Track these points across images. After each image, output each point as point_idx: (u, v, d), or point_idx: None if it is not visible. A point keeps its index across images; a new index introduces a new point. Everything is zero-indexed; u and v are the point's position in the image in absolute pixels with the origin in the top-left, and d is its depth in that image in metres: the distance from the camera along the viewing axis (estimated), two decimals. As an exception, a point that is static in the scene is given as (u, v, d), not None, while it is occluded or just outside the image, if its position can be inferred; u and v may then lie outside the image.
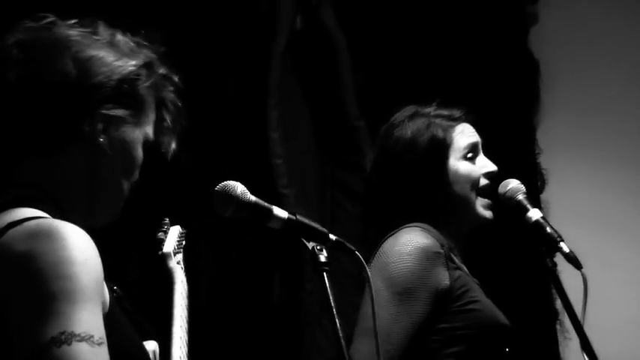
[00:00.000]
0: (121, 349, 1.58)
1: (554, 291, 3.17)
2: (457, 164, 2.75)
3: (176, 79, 1.91)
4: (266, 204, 2.02)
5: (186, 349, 2.43)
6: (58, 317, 1.51)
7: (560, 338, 3.98)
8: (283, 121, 3.83)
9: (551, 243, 2.56)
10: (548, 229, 2.58)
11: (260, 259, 3.81)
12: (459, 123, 2.81)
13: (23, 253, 1.57)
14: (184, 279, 2.59)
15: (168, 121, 1.91)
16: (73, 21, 1.85)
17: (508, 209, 2.70)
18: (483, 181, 2.75)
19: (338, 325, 1.91)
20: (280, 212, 2.02)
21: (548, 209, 4.01)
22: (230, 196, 2.00)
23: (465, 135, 2.79)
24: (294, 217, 2.02)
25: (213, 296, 3.75)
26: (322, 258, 1.98)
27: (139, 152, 1.86)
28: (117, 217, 1.89)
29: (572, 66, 4.28)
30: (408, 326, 2.44)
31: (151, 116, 1.88)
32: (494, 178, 2.76)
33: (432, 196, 2.71)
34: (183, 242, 2.69)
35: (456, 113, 2.83)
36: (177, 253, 2.64)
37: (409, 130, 2.78)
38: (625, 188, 4.23)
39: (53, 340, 1.49)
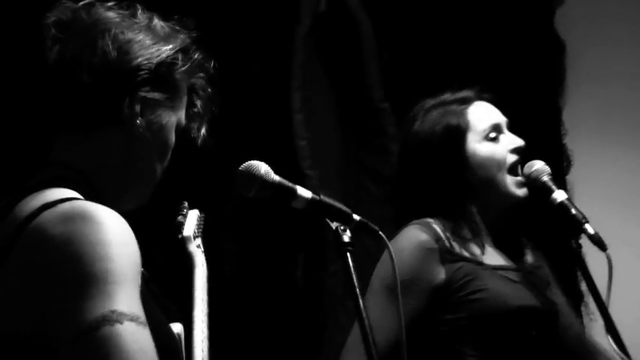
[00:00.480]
0: (151, 330, 1.57)
1: (579, 273, 3.15)
2: (477, 147, 2.74)
3: (209, 65, 1.93)
4: (290, 184, 2.02)
5: (207, 331, 2.44)
6: (104, 297, 1.52)
7: (586, 320, 3.97)
8: (307, 102, 3.82)
9: (576, 224, 2.56)
10: (573, 211, 2.59)
11: (283, 241, 3.81)
12: (473, 103, 2.80)
13: (60, 236, 1.58)
14: (204, 262, 2.60)
15: (199, 106, 1.93)
16: (111, 3, 1.87)
17: (533, 190, 2.70)
18: (511, 158, 2.74)
19: (361, 304, 1.92)
20: (304, 192, 2.02)
21: (574, 190, 4.00)
22: (254, 176, 2.00)
23: (482, 116, 2.78)
24: (317, 198, 2.02)
25: (237, 278, 3.75)
26: (346, 238, 1.99)
27: (173, 136, 1.87)
28: (147, 201, 1.90)
29: (598, 48, 4.26)
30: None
31: (184, 101, 1.90)
32: (523, 152, 2.75)
33: (455, 186, 2.71)
34: (202, 226, 2.70)
35: (469, 94, 2.82)
36: (197, 237, 2.65)
37: (425, 123, 2.79)
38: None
39: (102, 318, 1.50)
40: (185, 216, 2.66)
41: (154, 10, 1.91)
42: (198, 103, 1.93)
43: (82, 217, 1.59)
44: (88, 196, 1.70)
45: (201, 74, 1.91)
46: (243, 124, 3.74)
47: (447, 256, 2.63)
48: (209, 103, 1.95)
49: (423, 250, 2.60)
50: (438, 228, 2.67)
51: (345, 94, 3.98)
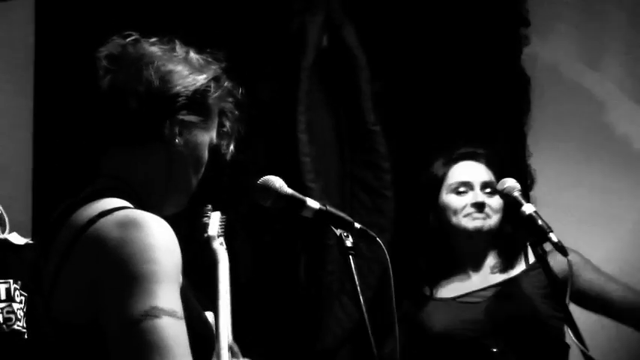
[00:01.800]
0: (191, 320, 1.60)
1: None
2: (444, 197, 2.85)
3: (237, 92, 1.93)
4: (300, 196, 2.02)
5: (230, 320, 2.44)
6: (148, 294, 1.54)
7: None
8: (310, 125, 3.82)
9: (542, 233, 2.56)
10: (540, 222, 2.59)
11: (289, 245, 3.82)
12: (462, 162, 2.89)
13: (115, 240, 1.59)
14: (227, 258, 2.59)
15: (228, 127, 1.93)
16: (153, 39, 1.88)
17: (505, 204, 2.71)
18: (469, 209, 2.82)
19: (362, 300, 1.92)
20: (313, 203, 2.02)
21: (537, 204, 3.98)
22: (270, 189, 2.00)
23: (458, 173, 2.88)
24: (324, 208, 2.02)
25: (247, 275, 3.75)
26: (348, 243, 1.99)
27: (206, 153, 1.88)
28: (184, 207, 1.91)
29: (560, 82, 4.26)
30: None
31: (215, 122, 1.90)
32: (481, 206, 2.85)
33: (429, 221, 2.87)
34: (224, 226, 2.69)
35: (465, 152, 2.92)
36: (220, 235, 2.65)
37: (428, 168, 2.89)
38: (601, 188, 4.22)
39: (145, 313, 1.52)
40: (209, 217, 2.66)
41: (188, 44, 1.91)
42: (227, 124, 1.93)
43: (134, 224, 1.61)
44: (136, 205, 1.71)
45: (231, 99, 1.92)
46: (256, 143, 3.74)
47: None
48: (237, 124, 1.95)
49: None
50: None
51: (342, 118, 3.99)
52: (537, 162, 4.14)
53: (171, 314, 1.53)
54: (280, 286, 3.80)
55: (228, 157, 1.96)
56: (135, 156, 1.81)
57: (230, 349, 2.36)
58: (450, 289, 2.86)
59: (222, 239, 2.67)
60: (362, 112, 3.92)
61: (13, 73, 3.54)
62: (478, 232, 2.83)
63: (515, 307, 2.76)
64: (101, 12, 3.69)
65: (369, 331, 1.87)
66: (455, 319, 2.74)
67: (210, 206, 2.72)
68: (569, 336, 2.46)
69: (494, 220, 2.85)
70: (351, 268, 1.95)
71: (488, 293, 2.80)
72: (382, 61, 3.97)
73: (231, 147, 1.96)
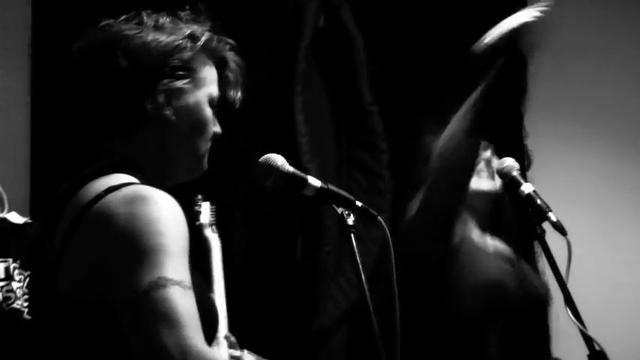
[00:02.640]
0: (197, 296, 1.60)
1: (539, 254, 3.16)
2: None
3: (229, 40, 1.90)
4: (302, 174, 2.01)
5: (225, 303, 2.45)
6: (156, 265, 1.55)
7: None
8: (307, 106, 3.82)
9: (541, 213, 2.56)
10: (539, 201, 2.59)
11: (286, 226, 3.82)
12: None
13: (123, 214, 1.60)
14: (219, 245, 2.61)
15: (230, 76, 1.90)
16: (122, 18, 1.85)
17: (504, 183, 2.71)
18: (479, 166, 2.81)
19: (363, 276, 1.92)
20: (314, 181, 2.01)
21: (534, 184, 4.00)
22: (271, 167, 1.99)
23: None
24: (325, 186, 2.01)
25: (246, 257, 3.76)
26: (349, 221, 1.98)
27: (206, 111, 1.84)
28: (202, 172, 1.89)
29: (557, 65, 4.27)
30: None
31: (212, 76, 1.86)
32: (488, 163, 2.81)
33: None
34: (215, 215, 2.71)
35: None
36: (212, 223, 2.66)
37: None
38: (596, 169, 4.24)
39: (152, 284, 1.53)
40: (200, 206, 2.67)
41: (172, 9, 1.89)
42: (230, 73, 1.91)
43: (142, 199, 1.62)
44: (143, 181, 1.72)
45: (227, 47, 1.89)
46: (253, 124, 3.74)
47: None
48: (240, 71, 1.93)
49: None
50: None
51: (339, 98, 3.99)
52: (534, 143, 4.16)
53: (179, 284, 1.54)
54: (277, 267, 3.80)
55: (237, 106, 1.93)
56: (131, 137, 1.80)
57: (227, 338, 2.37)
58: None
59: (213, 227, 2.68)
60: (359, 92, 3.92)
61: (9, 54, 3.53)
62: (487, 193, 2.78)
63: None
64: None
65: (371, 309, 1.88)
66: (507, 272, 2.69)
67: (200, 196, 2.73)
68: (568, 315, 2.46)
69: (497, 182, 2.81)
70: (353, 246, 1.94)
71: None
72: (378, 42, 3.98)
73: (239, 95, 1.93)
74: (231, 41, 1.90)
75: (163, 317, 1.51)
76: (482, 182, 2.76)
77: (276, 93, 3.81)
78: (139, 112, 1.77)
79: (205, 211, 2.68)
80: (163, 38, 1.80)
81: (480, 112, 2.50)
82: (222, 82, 1.90)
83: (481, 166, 2.78)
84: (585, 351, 2.42)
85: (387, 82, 3.97)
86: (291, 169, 2.00)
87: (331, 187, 2.01)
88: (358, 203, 2.01)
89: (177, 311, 1.51)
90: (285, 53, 3.82)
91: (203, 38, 1.84)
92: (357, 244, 1.96)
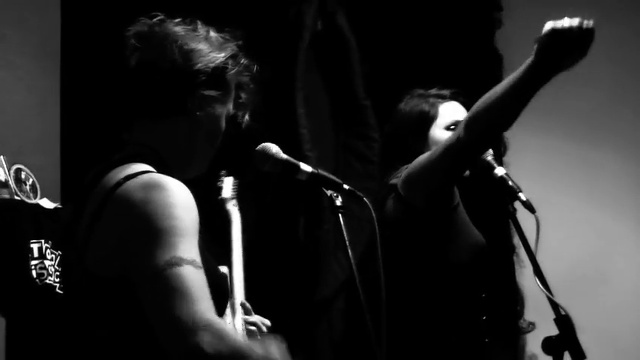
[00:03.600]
0: (208, 272, 1.60)
1: (512, 230, 3.13)
2: (437, 132, 2.73)
3: (253, 67, 1.90)
4: (295, 161, 2.00)
5: (243, 272, 2.43)
6: (170, 246, 1.55)
7: (517, 267, 3.97)
8: (307, 100, 3.82)
9: (512, 193, 2.52)
10: (510, 183, 2.55)
11: (289, 207, 3.81)
12: (448, 101, 2.79)
13: (140, 199, 1.60)
14: (239, 218, 2.58)
15: (244, 99, 1.91)
16: (177, 20, 1.85)
17: (478, 167, 2.67)
18: None
19: (350, 253, 1.91)
20: (306, 167, 2.00)
21: (509, 168, 3.97)
22: (267, 154, 1.99)
23: (449, 111, 2.77)
24: (316, 171, 2.01)
25: (252, 233, 3.75)
26: (338, 202, 1.98)
27: (223, 124, 1.86)
28: (204, 172, 1.89)
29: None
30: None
31: (232, 95, 1.87)
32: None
33: (416, 156, 2.70)
34: (237, 189, 2.67)
35: (445, 93, 2.80)
36: (233, 197, 2.63)
37: (407, 105, 2.77)
38: (566, 153, 4.22)
39: (167, 262, 1.53)
40: (223, 182, 2.63)
41: (215, 25, 1.89)
42: (243, 95, 1.91)
43: (156, 186, 1.62)
44: (160, 169, 1.71)
45: (247, 73, 1.90)
46: (259, 116, 3.73)
47: None
48: (251, 96, 1.93)
49: None
50: None
51: (335, 94, 3.99)
52: (509, 130, 4.13)
53: (191, 263, 1.54)
54: (282, 244, 3.79)
55: (244, 125, 1.94)
56: (160, 126, 1.79)
57: (243, 305, 2.34)
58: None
59: (234, 201, 2.65)
60: (353, 88, 3.93)
61: (42, 55, 3.51)
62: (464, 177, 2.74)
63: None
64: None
65: (358, 283, 1.86)
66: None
67: (224, 172, 2.69)
68: (537, 284, 2.43)
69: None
70: (341, 224, 1.94)
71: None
72: (370, 44, 3.98)
73: (246, 116, 1.94)
74: (253, 68, 1.91)
75: (177, 292, 1.51)
76: None
77: (279, 89, 3.80)
78: (178, 104, 1.78)
79: (228, 186, 2.65)
80: (213, 51, 1.81)
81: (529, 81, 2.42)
82: (236, 101, 1.91)
83: None
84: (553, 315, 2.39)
85: (378, 79, 3.96)
86: (284, 156, 1.99)
87: (322, 172, 2.00)
88: (345, 186, 2.01)
89: (189, 287, 1.51)
90: (287, 54, 3.82)
91: (242, 61, 1.86)
92: (349, 223, 1.94)
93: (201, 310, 1.50)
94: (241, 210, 3.14)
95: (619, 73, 4.25)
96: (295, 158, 2.05)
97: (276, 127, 3.70)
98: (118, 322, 1.63)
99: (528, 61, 2.31)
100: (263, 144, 2.00)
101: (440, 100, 2.78)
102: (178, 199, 1.60)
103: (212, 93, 1.80)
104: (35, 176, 3.21)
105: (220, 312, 1.69)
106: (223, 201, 2.63)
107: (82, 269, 1.65)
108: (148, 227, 1.56)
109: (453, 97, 2.80)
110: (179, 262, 1.52)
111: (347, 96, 3.93)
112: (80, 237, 1.67)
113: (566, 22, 2.25)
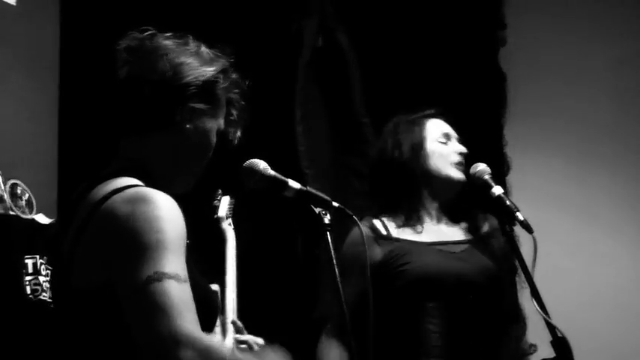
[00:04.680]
0: (195, 287, 1.58)
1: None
2: (432, 146, 2.70)
3: (243, 83, 1.88)
4: (282, 177, 1.98)
5: (236, 292, 2.41)
6: (154, 260, 1.53)
7: (519, 287, 3.92)
8: (306, 117, 3.83)
9: (510, 213, 2.49)
10: (508, 202, 2.51)
11: (288, 227, 3.79)
12: (431, 119, 2.78)
13: (126, 213, 1.58)
14: (234, 237, 2.57)
15: (235, 115, 1.89)
16: (168, 34, 1.84)
17: (476, 186, 2.63)
18: (455, 157, 2.70)
19: (337, 272, 1.87)
20: (294, 184, 1.98)
21: (512, 189, 3.96)
22: (254, 170, 1.97)
23: (436, 127, 2.75)
24: (304, 188, 1.98)
25: (252, 253, 3.74)
26: (326, 220, 1.95)
27: (214, 138, 1.83)
28: (191, 187, 1.86)
29: (532, 79, 4.23)
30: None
31: (223, 111, 1.85)
32: (465, 155, 2.69)
33: (412, 178, 2.66)
34: (233, 209, 2.66)
35: (429, 112, 2.79)
36: (229, 217, 2.62)
37: (398, 133, 2.74)
38: (569, 175, 4.18)
39: (150, 277, 1.51)
40: (219, 201, 2.63)
41: (206, 41, 1.88)
42: (234, 112, 1.89)
43: (143, 200, 1.60)
44: (147, 183, 1.69)
45: (237, 90, 1.88)
46: (258, 133, 3.73)
47: (382, 240, 2.58)
48: (243, 113, 1.91)
49: (358, 239, 2.38)
50: (376, 221, 2.63)
51: (335, 111, 3.96)
52: (512, 151, 4.11)
53: (174, 277, 1.52)
54: (281, 262, 3.78)
55: (235, 142, 1.91)
56: (149, 140, 1.78)
57: (234, 323, 2.31)
58: (419, 235, 2.64)
59: (230, 220, 2.64)
60: (353, 105, 3.92)
61: (40, 69, 3.51)
62: (459, 183, 2.70)
63: (488, 261, 2.65)
64: (122, 9, 3.67)
65: (343, 300, 1.83)
66: (439, 264, 2.59)
67: (220, 191, 2.69)
68: (534, 306, 2.39)
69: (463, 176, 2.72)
70: (328, 242, 1.91)
71: (462, 247, 2.67)
72: (370, 62, 3.96)
73: (238, 133, 1.91)
74: (244, 84, 1.89)
75: (159, 307, 1.49)
76: (452, 171, 2.68)
77: (279, 106, 3.80)
78: (166, 117, 1.76)
79: (224, 205, 2.64)
80: (203, 65, 1.80)
81: None
82: (227, 118, 1.89)
83: (457, 158, 2.70)
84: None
85: (378, 96, 3.94)
86: (272, 172, 1.97)
87: (310, 189, 1.98)
88: (335, 204, 1.98)
89: (171, 302, 1.49)
90: (286, 70, 3.82)
91: (232, 76, 1.84)
92: (333, 240, 1.91)
93: (184, 325, 1.48)
94: (239, 228, 3.13)
95: (621, 94, 4.23)
96: (293, 175, 2.03)
97: (274, 144, 3.69)
98: (102, 335, 1.61)
99: None
100: (250, 160, 1.97)
101: (425, 119, 2.77)
102: (164, 213, 1.58)
103: (201, 106, 1.78)
104: (31, 191, 3.20)
105: (209, 328, 1.68)
106: (218, 220, 2.61)
107: (68, 283, 1.64)
108: (132, 241, 1.55)
109: (436, 116, 2.79)
110: (161, 277, 1.51)
111: (346, 113, 3.92)
112: (66, 251, 1.66)
113: None
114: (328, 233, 1.92)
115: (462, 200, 2.72)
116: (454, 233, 2.70)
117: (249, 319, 2.66)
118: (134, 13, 3.63)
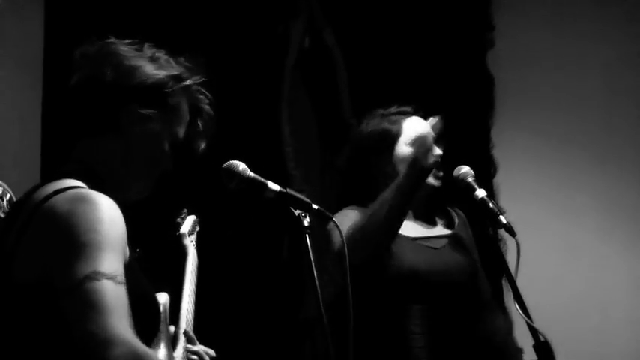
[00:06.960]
0: (135, 292, 1.59)
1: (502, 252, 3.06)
2: (403, 149, 2.67)
3: (208, 93, 1.86)
4: (262, 179, 1.97)
5: (193, 304, 2.44)
6: (89, 260, 1.53)
7: (505, 290, 3.92)
8: (293, 118, 3.82)
9: (493, 216, 2.48)
10: (491, 205, 2.50)
11: (273, 228, 3.76)
12: (409, 117, 2.74)
13: (65, 213, 1.59)
14: (195, 253, 2.62)
15: (200, 126, 1.87)
16: (127, 41, 1.84)
17: (460, 189, 2.62)
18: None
19: (315, 274, 1.87)
20: (274, 186, 1.97)
21: (499, 190, 3.96)
22: (233, 172, 1.95)
23: (412, 126, 2.71)
24: (284, 190, 1.97)
25: (238, 254, 3.73)
26: (305, 223, 1.94)
27: (165, 146, 1.82)
28: (145, 196, 1.85)
29: (520, 82, 4.23)
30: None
31: (182, 119, 1.84)
32: (439, 158, 2.64)
33: (383, 174, 2.64)
34: (197, 227, 2.71)
35: (407, 109, 2.76)
36: (192, 234, 2.68)
37: (370, 126, 2.72)
38: (557, 178, 4.18)
39: (87, 276, 1.51)
40: (183, 219, 2.69)
41: (174, 50, 1.86)
42: (200, 123, 1.87)
43: (83, 200, 1.61)
44: (94, 186, 1.69)
45: (204, 99, 1.86)
46: (244, 135, 3.72)
47: None
48: (210, 124, 1.88)
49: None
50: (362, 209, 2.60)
51: (322, 111, 3.96)
52: (500, 152, 4.10)
53: (111, 278, 1.53)
54: (267, 264, 3.76)
55: (199, 153, 1.89)
56: (98, 144, 1.78)
57: (186, 333, 2.33)
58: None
59: (193, 237, 2.70)
60: (340, 106, 3.91)
61: (24, 68, 3.49)
62: (433, 188, 2.67)
63: (467, 256, 2.64)
64: (107, 9, 3.65)
65: (321, 302, 1.82)
66: (426, 260, 2.57)
67: (185, 210, 2.74)
68: (517, 310, 2.38)
69: (440, 174, 2.70)
70: (307, 244, 1.90)
71: (443, 242, 2.65)
72: (358, 61, 3.95)
73: (203, 145, 1.89)
74: (210, 96, 1.87)
75: (93, 306, 1.50)
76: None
77: (265, 108, 3.79)
78: (112, 120, 1.76)
79: (187, 223, 2.69)
80: (152, 69, 1.79)
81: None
82: (192, 129, 1.87)
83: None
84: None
85: (366, 97, 3.92)
86: (251, 174, 1.96)
87: (290, 191, 1.97)
88: (315, 206, 1.97)
89: (106, 302, 1.50)
90: (273, 71, 3.81)
91: (185, 83, 1.82)
92: (312, 242, 1.90)
93: (117, 325, 1.49)
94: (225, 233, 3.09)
95: (610, 96, 4.23)
96: (279, 177, 2.02)
97: (261, 145, 3.68)
98: (37, 331, 1.61)
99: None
100: (229, 162, 1.96)
101: (402, 116, 2.73)
102: (104, 214, 1.59)
103: (147, 111, 1.78)
104: (13, 192, 3.17)
105: (150, 333, 1.71)
106: (180, 236, 2.68)
107: (9, 280, 1.64)
108: (69, 240, 1.56)
109: (414, 113, 2.76)
110: (98, 276, 1.52)
111: (334, 114, 3.91)
112: (7, 250, 1.66)
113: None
114: (307, 236, 1.90)
115: (435, 197, 2.70)
116: (433, 229, 2.69)
117: (238, 324, 2.64)
118: (119, 14, 3.61)
